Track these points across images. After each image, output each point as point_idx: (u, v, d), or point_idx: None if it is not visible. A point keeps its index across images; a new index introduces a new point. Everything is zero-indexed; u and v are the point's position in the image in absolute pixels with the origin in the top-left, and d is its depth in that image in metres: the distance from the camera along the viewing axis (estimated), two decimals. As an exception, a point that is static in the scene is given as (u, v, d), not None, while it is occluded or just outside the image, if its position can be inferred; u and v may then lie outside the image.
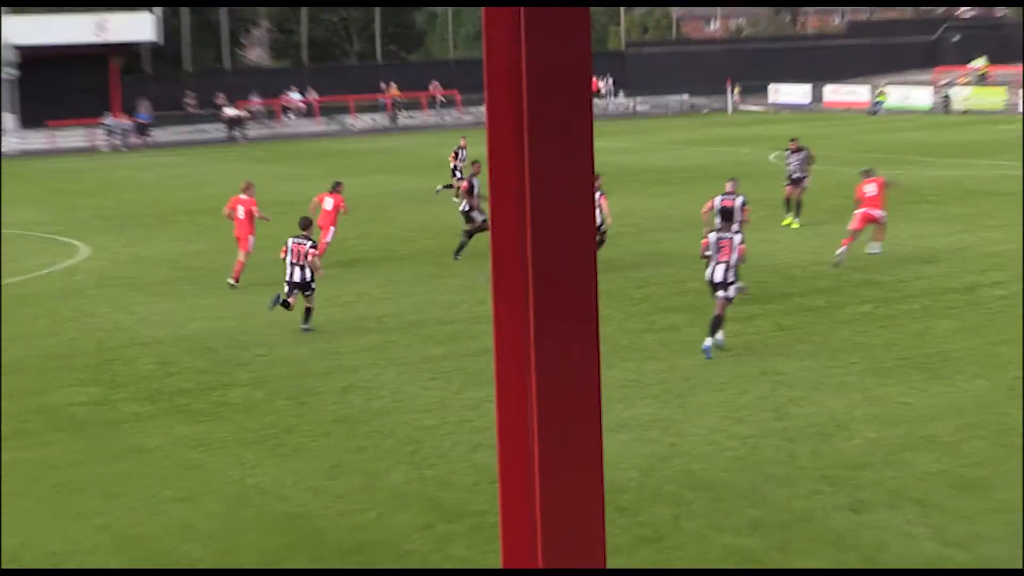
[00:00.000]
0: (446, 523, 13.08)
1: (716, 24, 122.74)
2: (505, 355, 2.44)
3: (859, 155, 49.06)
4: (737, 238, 20.22)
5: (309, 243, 22.71)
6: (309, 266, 22.57)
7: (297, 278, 22.60)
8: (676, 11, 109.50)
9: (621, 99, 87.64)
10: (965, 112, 75.87)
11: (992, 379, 17.69)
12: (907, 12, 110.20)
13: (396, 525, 13.09)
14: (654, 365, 19.22)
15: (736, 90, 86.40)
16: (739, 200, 25.82)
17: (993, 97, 77.76)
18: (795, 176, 33.36)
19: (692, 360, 19.36)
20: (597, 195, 27.97)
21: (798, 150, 33.58)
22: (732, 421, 16.19)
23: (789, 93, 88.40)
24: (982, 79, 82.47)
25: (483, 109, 2.40)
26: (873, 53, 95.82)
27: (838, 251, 26.78)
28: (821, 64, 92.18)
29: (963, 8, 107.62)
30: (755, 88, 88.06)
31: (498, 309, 2.43)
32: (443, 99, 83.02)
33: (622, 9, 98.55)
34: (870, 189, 27.70)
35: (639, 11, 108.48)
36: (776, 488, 13.68)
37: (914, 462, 14.33)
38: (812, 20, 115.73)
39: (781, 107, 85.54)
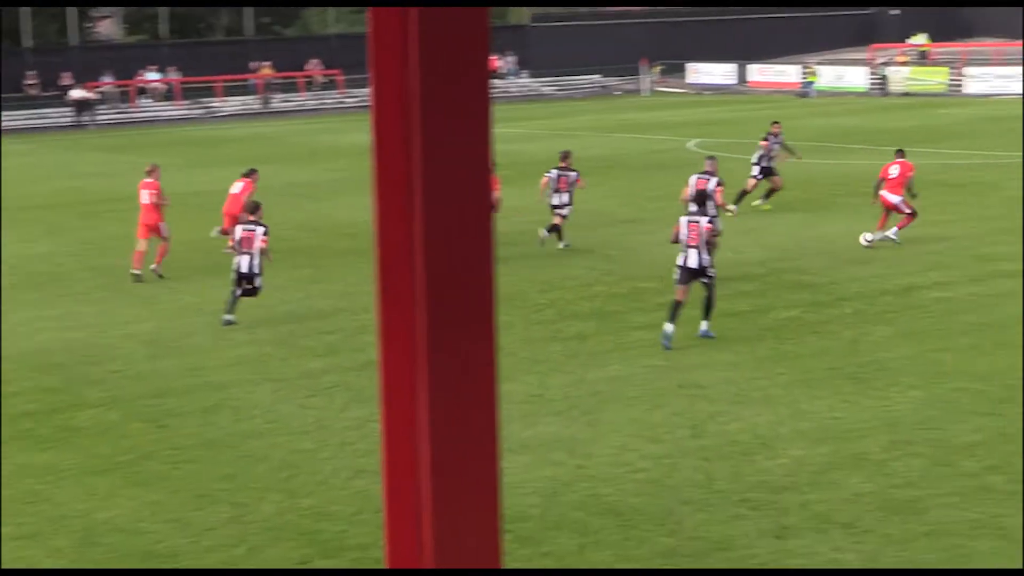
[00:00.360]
0: (324, 558, 13.19)
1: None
2: (392, 369, 2.40)
3: (788, 143, 49.76)
4: (704, 220, 21.43)
5: (261, 229, 23.56)
6: (259, 254, 23.43)
7: (244, 268, 23.36)
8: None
9: (524, 79, 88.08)
10: (904, 94, 77.12)
11: (928, 390, 18.13)
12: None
13: (269, 561, 13.19)
14: (559, 378, 19.45)
15: (657, 69, 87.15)
16: (712, 181, 27.19)
17: (935, 77, 79.12)
18: (766, 166, 34.58)
19: (601, 372, 19.62)
20: (573, 175, 30.01)
21: (777, 135, 35.02)
22: (645, 440, 16.45)
23: (711, 73, 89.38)
24: (923, 57, 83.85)
25: (368, 91, 2.39)
26: (805, 29, 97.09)
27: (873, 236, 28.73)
28: (748, 41, 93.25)
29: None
30: (674, 67, 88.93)
31: (384, 317, 2.39)
32: (323, 80, 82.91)
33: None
34: (893, 171, 29.28)
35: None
36: (692, 513, 13.96)
37: (843, 482, 14.68)
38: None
39: (702, 88, 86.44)
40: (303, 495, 14.96)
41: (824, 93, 79.39)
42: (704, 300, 21.42)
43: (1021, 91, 72.72)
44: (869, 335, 21.46)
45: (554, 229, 29.99)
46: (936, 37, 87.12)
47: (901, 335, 21.38)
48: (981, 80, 76.08)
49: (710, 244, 21.34)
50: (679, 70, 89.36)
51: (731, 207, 31.90)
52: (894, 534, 13.21)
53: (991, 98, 71.71)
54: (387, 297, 2.39)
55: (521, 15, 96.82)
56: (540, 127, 62.32)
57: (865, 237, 28.93)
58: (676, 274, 21.52)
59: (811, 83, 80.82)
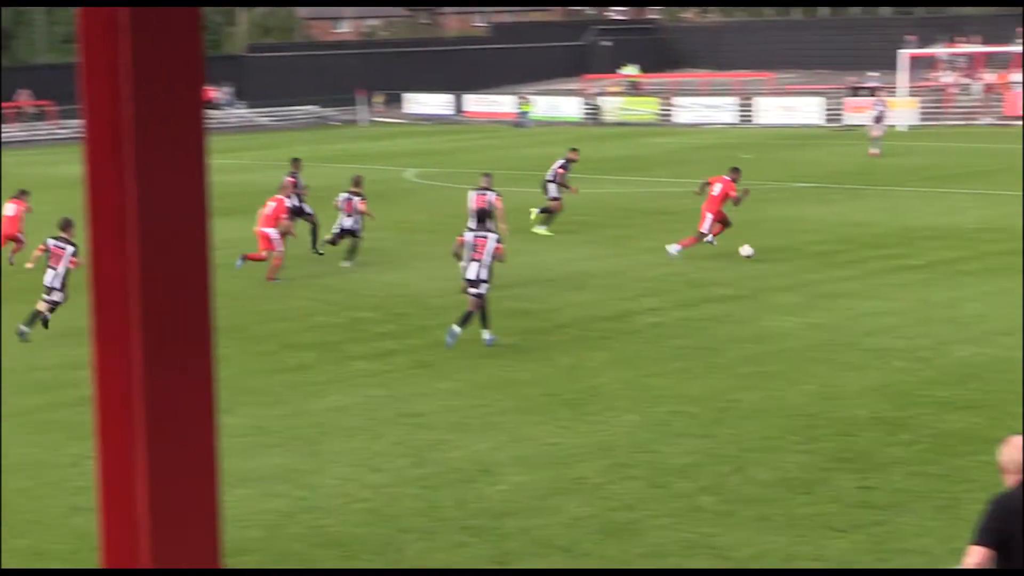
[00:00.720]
0: (40, 599, 12.87)
1: (347, 26, 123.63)
2: (107, 404, 2.37)
3: (504, 172, 50.38)
4: (493, 237, 23.35)
5: (71, 248, 24.28)
6: (64, 272, 24.19)
7: (48, 281, 24.21)
8: (301, 10, 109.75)
9: (241, 110, 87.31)
10: (617, 124, 78.80)
11: (643, 414, 18.55)
12: (555, 14, 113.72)
13: (-19, 605, 12.79)
14: (280, 410, 19.34)
15: (378, 99, 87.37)
16: (491, 196, 29.80)
17: (646, 107, 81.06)
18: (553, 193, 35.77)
19: (322, 403, 19.58)
20: (356, 200, 31.25)
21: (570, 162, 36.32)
22: (366, 470, 16.46)
23: (428, 103, 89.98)
24: (634, 88, 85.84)
25: (80, 122, 2.35)
26: (519, 59, 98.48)
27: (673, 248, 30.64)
28: (463, 71, 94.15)
29: (613, 9, 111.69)
30: (392, 97, 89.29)
31: (99, 350, 2.34)
32: (33, 111, 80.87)
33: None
34: (716, 188, 30.86)
35: (260, 10, 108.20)
36: (414, 542, 14.02)
37: (562, 507, 14.92)
38: (452, 22, 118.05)
39: (419, 118, 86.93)
40: (18, 535, 14.57)
41: (540, 123, 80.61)
42: (466, 313, 23.01)
43: (728, 121, 75.03)
44: (586, 361, 21.85)
45: (331, 242, 31.88)
46: (646, 68, 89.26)
47: (616, 360, 21.82)
48: (690, 110, 78.22)
49: (498, 259, 23.29)
50: (397, 100, 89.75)
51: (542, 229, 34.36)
52: (612, 556, 13.47)
53: (699, 127, 73.79)
54: (102, 331, 2.34)
55: (236, 45, 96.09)
56: (257, 158, 61.86)
57: (710, 240, 30.95)
58: (463, 286, 23.45)
59: (526, 113, 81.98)
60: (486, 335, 23.04)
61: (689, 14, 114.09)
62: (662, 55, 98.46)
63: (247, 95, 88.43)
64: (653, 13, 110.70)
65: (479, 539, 14.03)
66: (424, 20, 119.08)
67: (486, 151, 62.61)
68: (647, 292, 27.33)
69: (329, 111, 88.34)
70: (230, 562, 12.94)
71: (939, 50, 75.16)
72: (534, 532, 14.21)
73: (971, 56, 73.89)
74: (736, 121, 75.43)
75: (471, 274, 23.14)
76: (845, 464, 16.07)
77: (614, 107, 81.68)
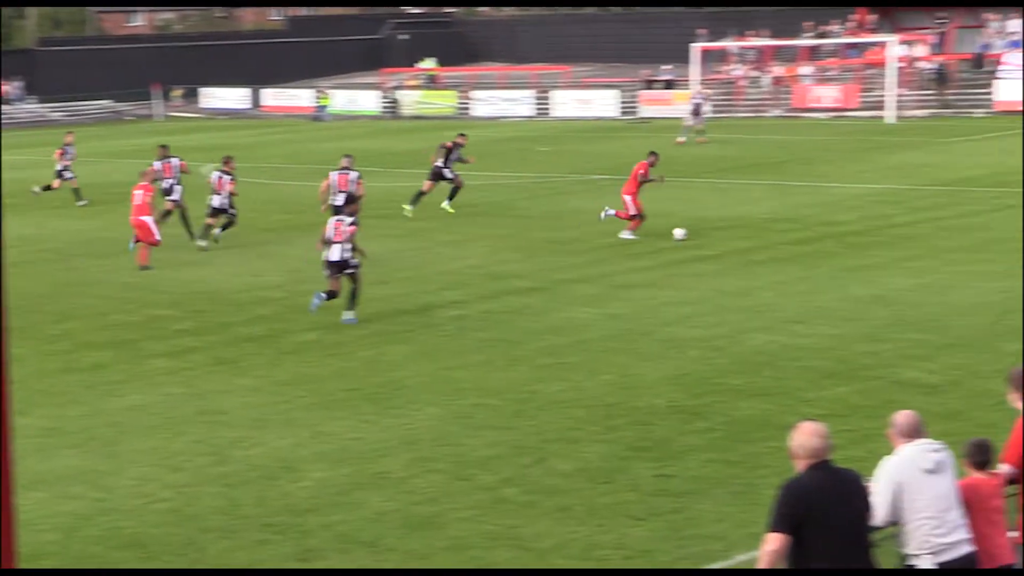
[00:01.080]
0: None
1: (141, 19, 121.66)
2: None
3: (302, 167, 50.09)
4: (348, 220, 24.34)
5: None
6: None
7: None
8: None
9: (31, 105, 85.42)
10: (415, 117, 78.81)
11: (446, 407, 18.57)
12: (351, 7, 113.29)
13: None
14: (76, 410, 18.97)
15: (177, 93, 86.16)
16: (353, 175, 31.53)
17: (444, 101, 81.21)
18: (448, 175, 37.11)
19: (120, 403, 19.24)
20: (227, 179, 32.32)
21: (455, 146, 37.52)
22: (166, 469, 16.22)
23: (225, 97, 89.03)
24: (432, 82, 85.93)
25: None
26: (316, 53, 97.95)
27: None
28: (260, 65, 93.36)
29: (409, 4, 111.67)
30: (189, 92, 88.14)
31: None
32: None
33: None
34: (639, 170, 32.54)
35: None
36: (216, 541, 13.85)
37: (365, 502, 14.86)
38: (248, 15, 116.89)
39: (216, 113, 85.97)
40: None
41: (338, 117, 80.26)
42: (350, 291, 24.04)
43: (526, 114, 75.51)
44: (387, 355, 21.81)
45: (208, 229, 32.60)
46: (444, 62, 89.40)
47: (418, 353, 21.81)
48: (488, 103, 78.57)
49: (352, 241, 24.13)
50: (194, 95, 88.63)
51: (407, 208, 35.76)
52: (416, 550, 13.46)
53: (498, 120, 74.13)
54: None
55: (26, 39, 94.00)
56: (49, 153, 60.53)
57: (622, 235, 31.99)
58: (325, 268, 24.30)
59: (324, 107, 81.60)
60: (349, 315, 23.99)
61: (485, 8, 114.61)
62: (459, 49, 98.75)
63: (38, 90, 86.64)
64: (449, 7, 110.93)
65: (282, 536, 13.92)
66: (220, 14, 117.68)
67: (284, 145, 62.12)
68: (448, 285, 27.37)
69: (123, 106, 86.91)
70: (25, 566, 12.63)
71: (729, 43, 76.52)
72: (337, 528, 14.13)
73: (760, 49, 75.36)
74: (534, 114, 75.98)
75: (335, 256, 24.07)
76: (643, 453, 16.27)
77: (412, 101, 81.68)
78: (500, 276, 28.20)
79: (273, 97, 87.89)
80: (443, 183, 37.35)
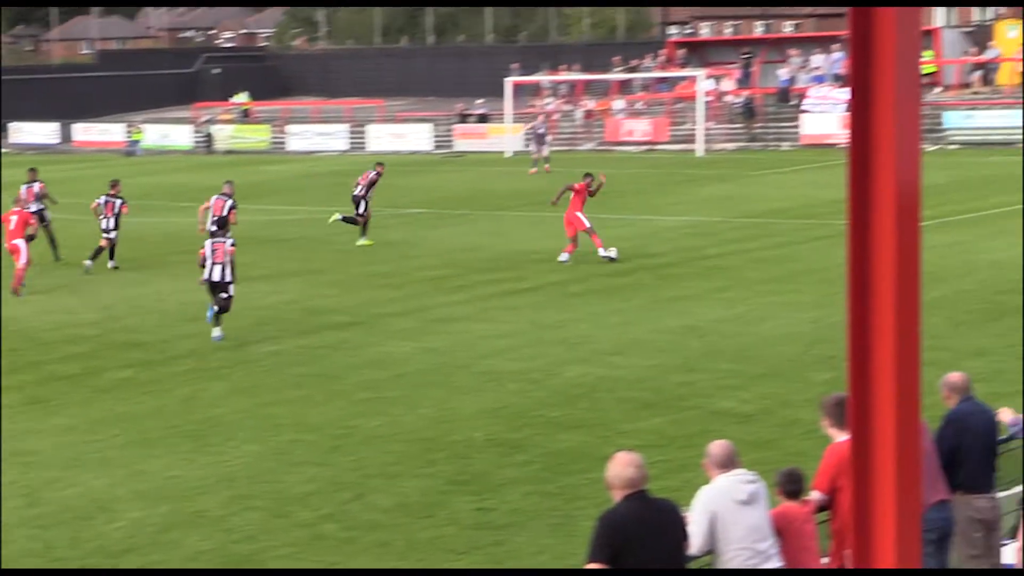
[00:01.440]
0: None
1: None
2: None
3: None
4: (229, 241, 25.49)
5: None
6: None
7: None
8: None
9: None
10: (229, 152, 78.14)
11: (264, 444, 18.43)
12: (164, 41, 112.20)
13: None
14: None
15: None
16: (228, 202, 32.48)
17: (258, 135, 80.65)
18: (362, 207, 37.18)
19: (-72, 445, 18.76)
20: (118, 203, 34.10)
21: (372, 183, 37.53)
22: (-23, 512, 15.86)
23: (34, 132, 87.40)
24: (245, 116, 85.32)
25: None
26: (128, 87, 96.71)
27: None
28: (71, 99, 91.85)
29: (222, 38, 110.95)
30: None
31: None
32: None
33: None
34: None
35: None
36: (30, 585, 13.57)
37: (183, 541, 14.69)
38: (57, 49, 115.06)
39: (25, 148, 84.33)
40: None
41: (150, 151, 79.29)
42: (220, 309, 25.11)
43: (341, 148, 75.33)
44: (204, 392, 21.58)
45: (100, 252, 33.73)
46: (257, 96, 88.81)
47: (235, 390, 21.63)
48: (302, 137, 78.17)
49: (232, 262, 25.24)
50: (2, 130, 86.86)
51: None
52: (234, 588, 13.33)
53: (312, 155, 73.82)
54: None
55: None
56: None
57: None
58: (204, 287, 25.42)
59: (137, 141, 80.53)
60: (217, 331, 25.05)
61: (298, 42, 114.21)
62: (273, 83, 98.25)
63: None
64: (262, 41, 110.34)
65: (98, 578, 13.69)
66: (28, 47, 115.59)
67: (96, 180, 60.91)
68: (264, 321, 27.17)
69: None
70: None
71: (542, 77, 77.17)
72: (153, 567, 13.94)
73: (572, 84, 76.15)
74: (348, 148, 75.75)
75: (216, 276, 25.14)
76: (463, 487, 16.32)
77: (226, 135, 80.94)
78: (317, 311, 28.08)
79: (84, 132, 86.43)
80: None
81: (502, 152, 63.16)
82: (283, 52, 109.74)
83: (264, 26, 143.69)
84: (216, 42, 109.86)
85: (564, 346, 24.00)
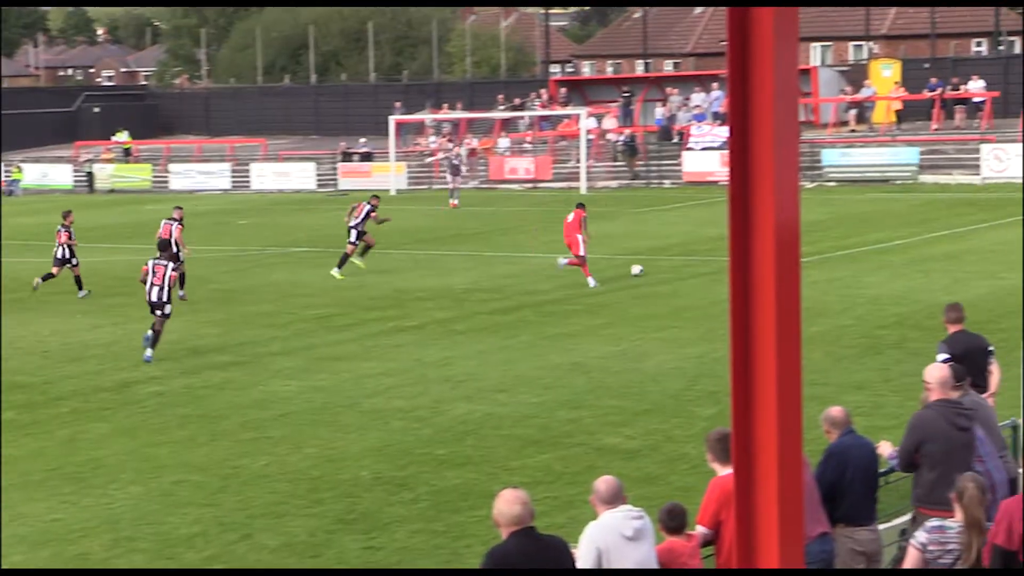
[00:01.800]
0: None
1: None
2: None
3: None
4: (171, 265, 26.97)
5: None
6: None
7: None
8: None
9: None
10: (111, 191, 77.39)
11: (147, 485, 18.25)
12: (43, 79, 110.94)
13: None
14: None
15: None
16: (174, 226, 34.04)
17: (140, 174, 79.95)
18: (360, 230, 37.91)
19: None
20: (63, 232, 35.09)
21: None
22: None
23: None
24: (127, 155, 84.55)
25: None
26: (7, 125, 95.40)
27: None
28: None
29: (103, 76, 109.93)
30: None
31: None
32: None
33: None
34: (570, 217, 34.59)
35: None
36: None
37: (66, 585, 14.49)
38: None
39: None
40: None
41: (30, 191, 78.32)
42: (154, 332, 26.32)
43: (224, 187, 74.87)
44: (86, 433, 21.34)
45: (49, 277, 35.40)
46: (138, 135, 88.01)
47: (118, 431, 21.40)
48: (185, 176, 77.59)
49: (172, 286, 26.76)
50: None
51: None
52: (120, 632, 13.17)
53: (195, 193, 73.28)
54: None
55: None
56: None
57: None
58: (150, 308, 26.52)
59: (16, 181, 79.52)
60: (149, 353, 26.34)
61: (179, 80, 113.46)
62: (154, 121, 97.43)
63: None
64: (143, 79, 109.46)
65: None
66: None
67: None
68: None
69: None
70: None
71: (426, 116, 77.28)
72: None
73: (456, 122, 76.33)
74: (231, 187, 75.31)
75: (154, 297, 26.46)
76: (350, 525, 16.27)
77: (107, 174, 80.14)
78: (200, 351, 27.86)
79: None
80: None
81: (387, 190, 63.06)
82: (164, 91, 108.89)
83: (144, 65, 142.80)
84: (96, 80, 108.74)
85: (450, 384, 24.01)
